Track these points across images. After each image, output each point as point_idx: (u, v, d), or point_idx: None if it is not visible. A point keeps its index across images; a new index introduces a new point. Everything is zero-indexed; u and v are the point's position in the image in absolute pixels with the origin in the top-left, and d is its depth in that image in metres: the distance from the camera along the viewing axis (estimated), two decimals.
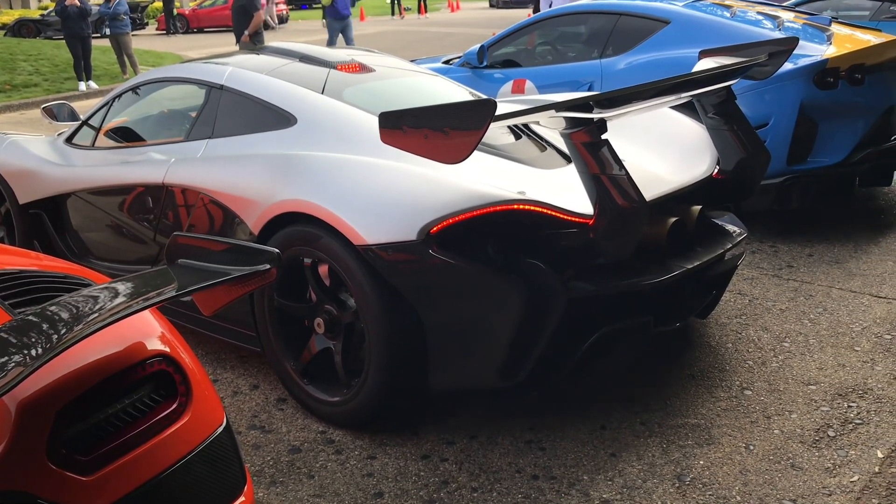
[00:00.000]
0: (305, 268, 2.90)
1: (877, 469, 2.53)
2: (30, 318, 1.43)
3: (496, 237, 2.63)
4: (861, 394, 2.96)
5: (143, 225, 3.64)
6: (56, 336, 1.35)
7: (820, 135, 4.38)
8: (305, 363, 2.98)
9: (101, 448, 1.52)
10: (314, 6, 32.82)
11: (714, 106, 3.11)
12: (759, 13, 5.09)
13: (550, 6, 8.23)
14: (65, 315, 1.45)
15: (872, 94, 4.44)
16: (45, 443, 1.43)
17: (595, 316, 2.72)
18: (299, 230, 2.83)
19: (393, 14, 29.00)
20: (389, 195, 2.68)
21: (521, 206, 2.59)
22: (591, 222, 2.61)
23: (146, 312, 1.81)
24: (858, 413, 2.84)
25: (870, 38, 4.78)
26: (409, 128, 2.35)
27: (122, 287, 1.58)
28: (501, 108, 2.30)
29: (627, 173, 2.55)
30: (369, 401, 2.77)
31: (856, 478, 2.49)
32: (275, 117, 3.36)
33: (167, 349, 1.70)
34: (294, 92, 3.43)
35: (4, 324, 1.43)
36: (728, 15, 4.94)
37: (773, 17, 4.97)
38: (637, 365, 3.23)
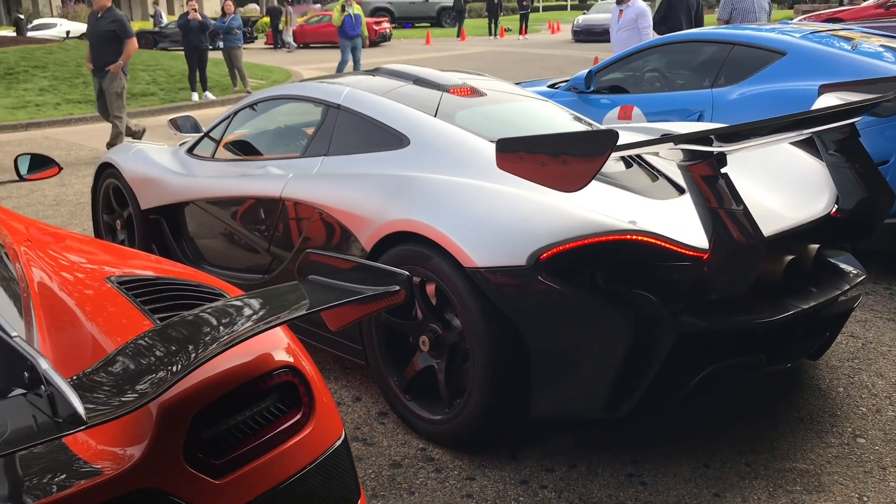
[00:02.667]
0: (414, 286, 2.95)
1: None
2: (174, 326, 1.52)
3: (606, 266, 2.62)
4: None
5: (257, 235, 3.78)
6: (200, 345, 1.42)
7: None
8: (408, 379, 3.04)
9: (230, 454, 1.59)
10: (417, 25, 33.38)
11: (836, 143, 3.03)
12: (881, 45, 4.92)
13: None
14: (206, 326, 1.53)
15: None
16: (182, 445, 1.51)
17: (704, 352, 2.68)
18: (410, 249, 2.89)
19: (491, 34, 29.19)
20: (501, 219, 2.71)
21: (634, 237, 2.58)
22: (705, 256, 2.57)
23: None
24: None
25: None
26: (526, 154, 2.38)
27: (258, 302, 1.65)
28: (620, 135, 2.30)
29: (746, 208, 2.51)
30: (470, 421, 2.79)
31: None
32: (389, 138, 3.45)
33: (292, 360, 1.77)
34: (408, 114, 3.51)
35: (149, 330, 1.52)
36: (848, 48, 4.79)
37: None
38: (743, 403, 3.15)
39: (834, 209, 3.11)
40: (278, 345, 1.82)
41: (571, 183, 2.31)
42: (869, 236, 3.16)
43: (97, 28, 8.90)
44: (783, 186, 3.22)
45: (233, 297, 1.76)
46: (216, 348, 1.39)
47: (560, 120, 3.85)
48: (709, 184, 2.52)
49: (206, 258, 4.27)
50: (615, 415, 2.66)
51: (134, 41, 9.08)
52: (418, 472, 2.78)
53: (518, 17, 30.25)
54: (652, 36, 7.94)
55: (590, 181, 2.26)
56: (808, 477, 2.70)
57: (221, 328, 1.49)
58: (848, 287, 2.94)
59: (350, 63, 14.29)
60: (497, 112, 3.80)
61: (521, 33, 29.16)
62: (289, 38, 26.40)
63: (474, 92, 3.86)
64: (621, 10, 8.48)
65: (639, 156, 3.49)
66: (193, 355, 1.39)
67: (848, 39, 4.98)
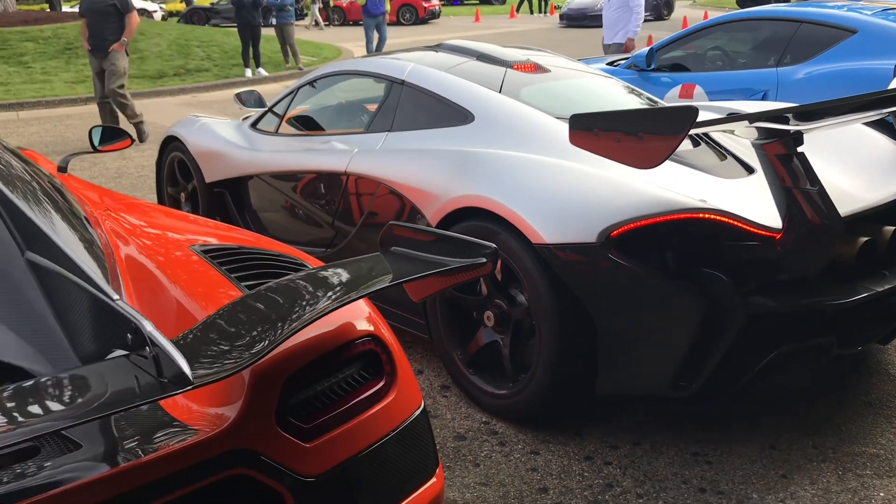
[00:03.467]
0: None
1: None
2: (267, 294, 1.56)
3: (676, 245, 2.61)
4: None
5: (321, 209, 3.83)
6: (294, 314, 1.46)
7: None
8: (472, 354, 3.07)
9: (318, 419, 1.63)
10: (466, 3, 33.17)
11: None
12: None
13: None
14: (297, 295, 1.57)
15: None
16: (275, 408, 1.55)
17: (774, 333, 2.65)
18: (477, 225, 2.91)
19: (537, 11, 28.90)
20: (571, 196, 2.71)
21: (705, 216, 2.56)
22: (778, 236, 2.54)
23: None
24: None
25: None
26: (600, 130, 2.37)
27: (343, 272, 1.69)
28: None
29: (822, 188, 2.47)
30: (535, 397, 2.81)
31: None
32: (453, 114, 3.46)
33: (374, 330, 1.81)
34: (472, 90, 3.51)
35: (243, 297, 1.56)
36: None
37: None
38: (810, 386, 3.12)
39: None
40: (360, 314, 1.85)
41: (647, 160, 2.30)
42: None
43: (94, 4, 8.19)
44: (857, 167, 3.16)
45: (317, 267, 1.80)
46: (309, 317, 1.43)
47: (626, 97, 3.82)
48: (784, 163, 2.49)
49: (269, 231, 4.33)
50: (682, 394, 2.66)
51: (135, 15, 8.41)
52: (482, 444, 2.81)
53: None
54: (642, 16, 7.70)
55: (666, 158, 2.24)
56: (879, 461, 2.67)
57: (311, 297, 1.52)
58: None
59: (375, 41, 14.71)
60: (561, 88, 3.78)
61: None
62: (317, 16, 26.64)
63: (538, 68, 3.84)
64: None
65: (707, 135, 3.45)
66: (288, 323, 1.42)
67: None
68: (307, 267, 1.92)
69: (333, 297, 1.53)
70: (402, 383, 1.80)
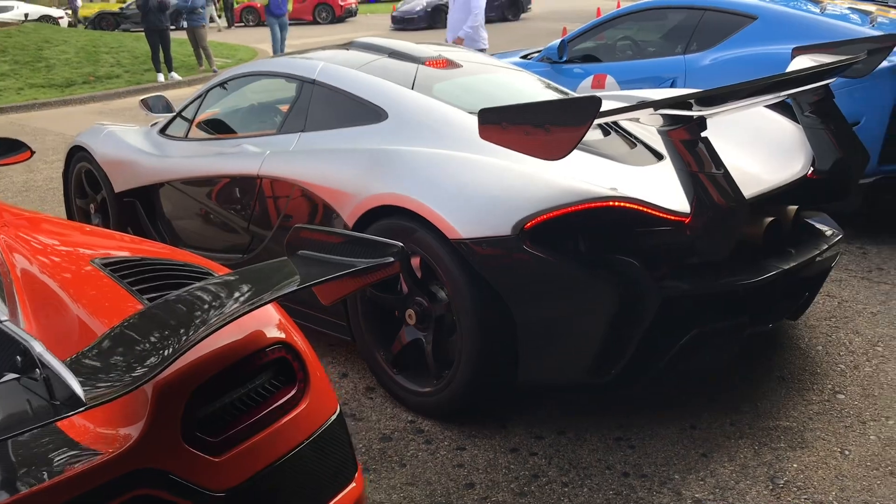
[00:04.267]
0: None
1: None
2: (166, 305, 1.51)
3: (590, 234, 2.64)
4: None
5: (236, 215, 3.74)
6: (195, 324, 1.41)
7: None
8: (396, 353, 3.04)
9: (227, 431, 1.59)
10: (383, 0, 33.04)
11: (811, 105, 3.06)
12: (850, 8, 4.96)
13: None
14: (198, 304, 1.52)
15: None
16: (180, 423, 1.50)
17: (689, 316, 2.71)
18: (394, 223, 2.88)
19: None
20: (484, 190, 2.71)
21: (616, 203, 2.59)
22: (687, 220, 2.59)
23: None
24: None
25: None
26: (509, 124, 2.38)
27: (248, 278, 1.64)
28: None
29: (727, 172, 2.53)
30: (459, 392, 2.81)
31: None
32: (366, 112, 3.42)
33: (285, 336, 1.77)
34: (385, 87, 3.48)
35: (141, 311, 1.51)
36: (818, 10, 4.83)
37: (865, 13, 4.84)
38: (725, 365, 3.20)
39: (810, 171, 3.15)
40: (270, 321, 1.81)
41: (555, 151, 2.31)
42: (845, 197, 3.20)
43: None
44: (761, 150, 3.25)
45: (222, 274, 1.75)
46: (211, 326, 1.38)
47: (537, 90, 3.84)
48: (689, 148, 2.53)
49: (183, 240, 4.22)
50: (602, 380, 2.69)
51: None
52: (408, 444, 2.79)
53: None
54: (481, 18, 7.40)
55: (573, 148, 2.26)
56: (792, 434, 2.75)
57: (214, 306, 1.48)
58: (826, 247, 2.98)
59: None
60: (474, 83, 3.78)
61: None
62: (215, 16, 25.96)
63: (450, 64, 3.84)
64: None
65: (616, 124, 3.50)
66: (189, 334, 1.38)
67: (816, 2, 5.01)
68: (213, 275, 1.86)
69: (237, 304, 1.49)
70: (315, 389, 1.77)
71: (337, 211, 3.12)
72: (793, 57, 3.35)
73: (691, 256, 2.68)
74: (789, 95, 2.92)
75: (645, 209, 2.61)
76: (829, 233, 3.10)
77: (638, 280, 2.59)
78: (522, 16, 24.43)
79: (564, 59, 5.67)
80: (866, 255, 4.26)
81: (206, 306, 1.52)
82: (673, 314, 2.65)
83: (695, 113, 2.51)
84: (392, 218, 2.90)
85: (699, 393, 3.01)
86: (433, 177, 2.83)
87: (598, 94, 4.41)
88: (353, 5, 28.40)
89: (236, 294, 1.56)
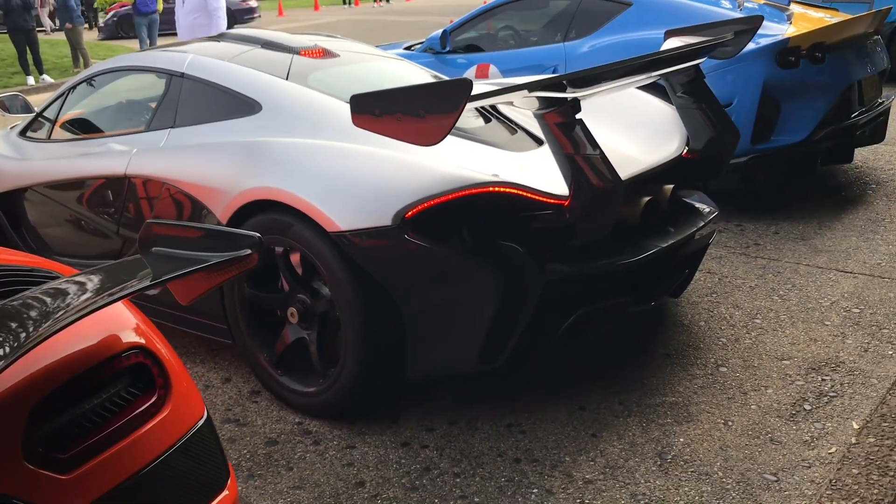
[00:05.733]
0: (277, 256, 2.84)
1: (854, 440, 2.56)
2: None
3: (471, 221, 2.60)
4: (834, 367, 3.00)
5: (105, 218, 3.53)
6: (25, 332, 1.28)
7: (783, 114, 4.43)
8: (279, 354, 2.93)
9: (78, 445, 1.46)
10: None
11: (683, 85, 3.12)
12: None
13: None
14: (33, 310, 1.39)
15: (832, 72, 4.49)
16: (20, 441, 1.37)
17: (572, 297, 2.71)
18: (270, 218, 2.77)
19: (345, 3, 28.69)
20: (362, 180, 2.63)
21: (496, 189, 2.56)
22: (566, 203, 2.59)
23: (120, 304, 1.75)
24: (832, 386, 2.88)
25: (828, 18, 4.84)
26: (381, 111, 2.31)
27: (93, 278, 1.52)
28: (475, 90, 2.27)
29: (602, 153, 2.54)
30: (346, 390, 2.72)
31: (833, 449, 2.52)
32: (239, 104, 3.28)
33: (143, 341, 1.65)
34: (258, 78, 3.35)
35: None
36: None
37: None
38: (612, 346, 3.24)
39: (685, 150, 3.21)
40: (125, 325, 1.69)
41: (429, 136, 2.25)
42: (719, 174, 3.29)
43: None
44: (635, 131, 3.29)
45: (66, 276, 1.61)
46: (47, 329, 1.26)
47: (417, 78, 3.78)
48: (564, 130, 2.53)
49: (51, 248, 3.96)
50: (491, 367, 2.67)
51: None
52: (296, 446, 2.69)
53: None
54: (225, 21, 6.90)
55: (447, 133, 2.21)
56: (678, 409, 2.80)
57: (53, 308, 1.35)
58: (703, 224, 3.04)
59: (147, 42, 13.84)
60: (351, 73, 3.69)
61: (376, 1, 28.83)
62: (45, 19, 23.90)
63: (326, 53, 3.73)
64: None
65: (496, 110, 3.48)
66: (19, 340, 1.25)
67: None
68: (58, 277, 1.72)
69: (82, 303, 1.36)
70: (178, 394, 1.66)
71: (209, 208, 2.97)
72: (665, 39, 3.41)
73: (572, 239, 2.68)
74: (661, 76, 2.96)
75: (525, 193, 2.59)
76: (705, 210, 3.17)
77: (521, 265, 2.57)
78: (400, 9, 24.31)
79: (448, 49, 5.64)
80: (743, 232, 4.41)
81: (44, 308, 1.39)
82: (557, 297, 2.65)
83: (568, 94, 2.51)
84: (267, 213, 2.78)
85: (587, 374, 3.03)
86: (309, 168, 2.73)
87: (481, 83, 4.40)
88: (253, 4, 27.43)
89: (81, 294, 1.43)
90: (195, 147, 3.20)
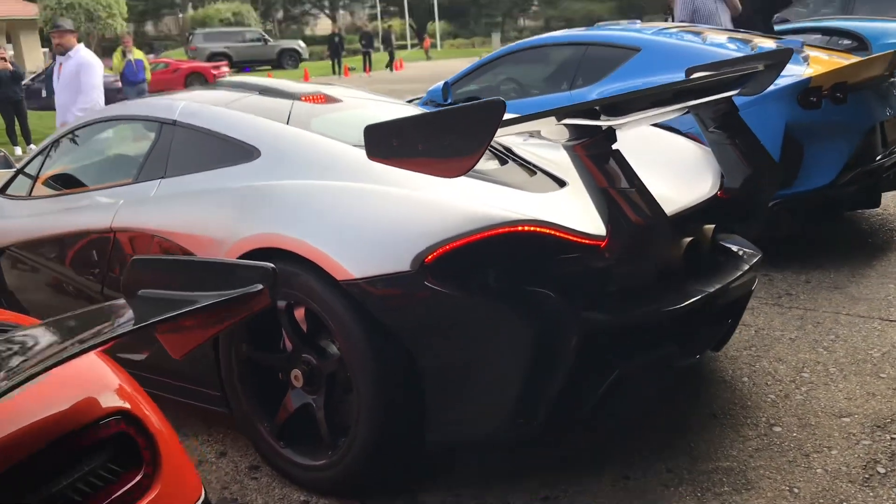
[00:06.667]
0: (279, 312, 2.54)
1: None
2: None
3: (499, 264, 2.32)
4: None
5: (88, 278, 3.23)
6: None
7: (806, 157, 4.21)
8: (281, 423, 2.60)
9: None
10: (257, 68, 32.70)
11: (716, 119, 2.88)
12: (729, 38, 4.97)
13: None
14: None
15: (855, 113, 4.29)
16: None
17: (614, 349, 2.41)
18: None
19: (334, 73, 28.97)
20: (376, 222, 2.37)
21: (526, 228, 2.29)
22: (603, 244, 2.32)
23: (100, 361, 1.45)
24: None
25: (843, 60, 4.68)
26: (400, 138, 2.05)
27: (64, 325, 1.22)
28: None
29: (643, 185, 2.28)
30: (359, 462, 2.39)
31: None
32: (235, 151, 3.02)
33: (128, 405, 1.34)
34: (255, 123, 3.10)
35: None
36: (700, 39, 4.80)
37: (745, 41, 4.85)
38: (651, 408, 2.93)
39: (719, 190, 2.96)
40: (107, 387, 1.38)
41: (456, 165, 1.99)
42: (759, 216, 3.03)
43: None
44: (664, 171, 3.03)
45: (28, 325, 1.32)
46: (5, 386, 0.96)
47: None
48: (598, 163, 2.28)
49: (30, 313, 3.64)
50: (522, 433, 2.35)
51: None
52: None
53: (361, 56, 30.25)
54: (98, 98, 6.15)
55: (478, 160, 1.95)
56: (734, 475, 2.48)
57: (9, 360, 1.06)
58: (748, 267, 2.78)
59: None
60: (357, 117, 3.44)
61: (365, 71, 29.11)
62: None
63: (329, 99, 3.50)
64: (61, 63, 6.34)
65: (512, 153, 3.24)
66: None
67: (697, 33, 5.00)
68: (19, 328, 1.42)
69: (44, 356, 1.06)
70: (169, 472, 1.34)
71: None
72: (687, 76, 3.19)
73: (610, 283, 2.40)
74: (695, 105, 2.73)
75: (558, 233, 2.32)
76: (748, 253, 2.91)
77: (554, 313, 2.28)
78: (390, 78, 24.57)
79: (449, 101, 5.45)
80: (773, 282, 4.14)
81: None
82: (597, 349, 2.35)
83: (603, 122, 2.26)
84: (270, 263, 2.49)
85: (628, 439, 2.71)
86: (314, 211, 2.47)
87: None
88: (227, 75, 27.85)
89: (47, 343, 1.14)
90: (188, 195, 2.93)
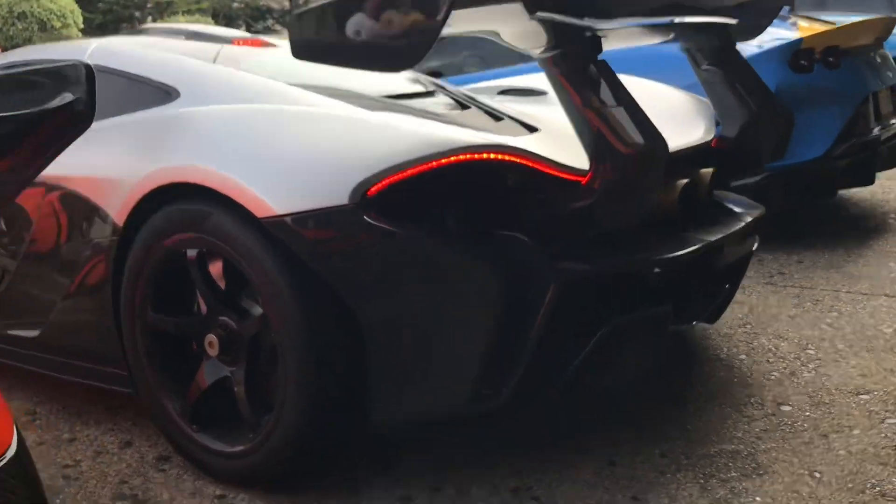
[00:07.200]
0: (190, 264, 2.07)
1: None
2: None
3: (459, 200, 1.89)
4: None
5: None
6: None
7: (798, 125, 3.84)
8: (193, 402, 2.13)
9: None
10: None
11: (710, 54, 2.49)
12: None
13: None
14: None
15: (848, 80, 3.97)
16: None
17: (596, 306, 1.99)
18: (179, 210, 2.03)
19: None
20: (306, 147, 1.94)
21: (493, 155, 1.87)
22: (585, 179, 1.90)
23: None
24: None
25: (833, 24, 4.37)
26: (332, 24, 1.62)
27: None
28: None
29: (634, 104, 1.88)
30: (286, 445, 1.93)
31: None
32: (151, 93, 2.55)
33: None
34: (175, 62, 2.65)
35: None
36: None
37: None
38: (638, 385, 2.52)
39: (713, 139, 2.57)
40: None
41: (405, 54, 1.57)
42: (758, 169, 2.65)
43: None
44: (656, 119, 2.65)
45: None
46: None
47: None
48: (581, 75, 1.87)
49: None
50: (487, 407, 1.92)
51: None
52: None
53: None
54: None
55: (432, 43, 1.53)
56: (742, 459, 2.06)
57: None
58: (750, 219, 2.39)
59: None
60: (294, 61, 3.01)
61: None
62: None
63: (266, 44, 3.07)
64: None
65: (475, 101, 2.82)
66: None
67: None
68: None
69: None
70: None
71: (102, 207, 2.22)
72: None
73: (594, 226, 1.99)
74: (688, 31, 2.36)
75: (531, 163, 1.91)
76: (748, 206, 2.52)
77: (528, 261, 1.86)
78: None
79: None
80: (763, 262, 3.75)
81: None
82: (578, 305, 1.93)
83: (587, 23, 1.86)
84: (177, 203, 2.04)
85: (612, 419, 2.30)
86: (228, 135, 2.05)
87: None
88: None
89: None
90: (86, 139, 2.45)
